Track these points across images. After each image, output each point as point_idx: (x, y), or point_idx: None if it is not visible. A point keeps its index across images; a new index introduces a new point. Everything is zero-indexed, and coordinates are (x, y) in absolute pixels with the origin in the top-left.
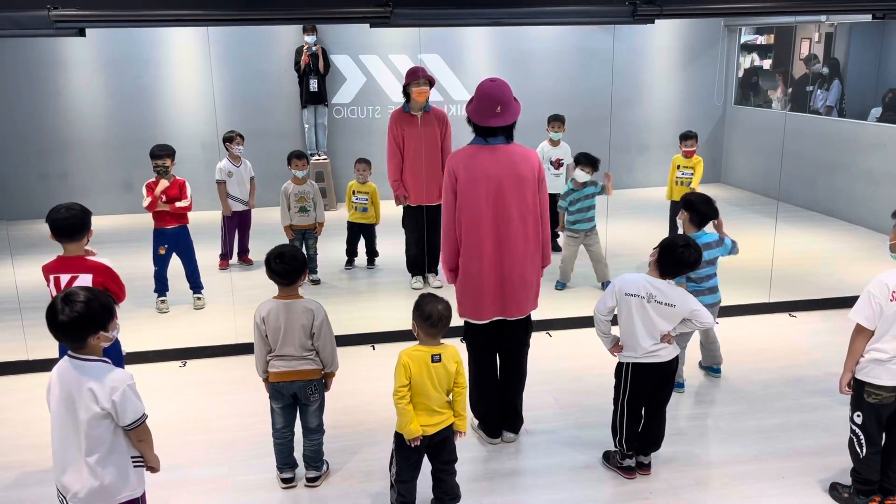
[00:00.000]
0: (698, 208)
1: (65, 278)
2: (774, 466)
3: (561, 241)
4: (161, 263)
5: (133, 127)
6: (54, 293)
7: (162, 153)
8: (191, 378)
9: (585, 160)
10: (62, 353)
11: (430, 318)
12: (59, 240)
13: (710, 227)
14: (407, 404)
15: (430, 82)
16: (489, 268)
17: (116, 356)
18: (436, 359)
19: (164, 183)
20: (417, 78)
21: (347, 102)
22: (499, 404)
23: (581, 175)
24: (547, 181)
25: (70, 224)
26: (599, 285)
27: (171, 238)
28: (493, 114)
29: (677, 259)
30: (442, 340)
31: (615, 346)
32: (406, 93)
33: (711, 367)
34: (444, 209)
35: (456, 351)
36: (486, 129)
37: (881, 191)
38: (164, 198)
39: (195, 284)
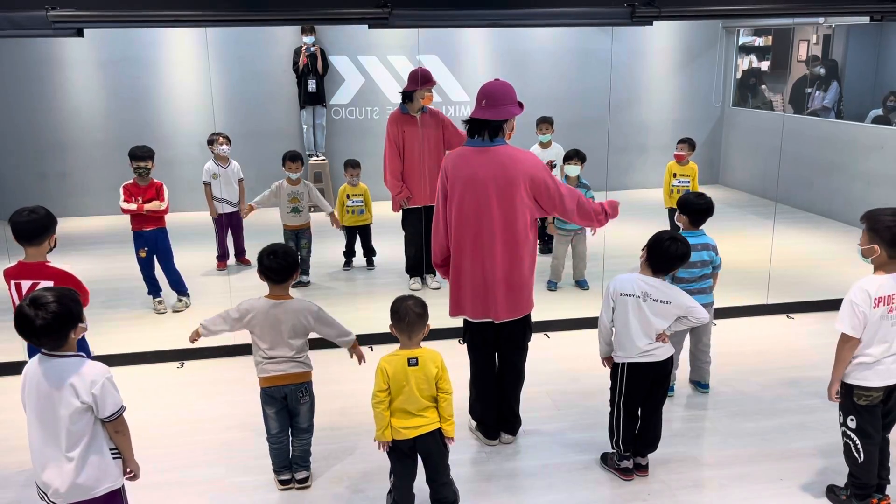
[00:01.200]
0: (694, 205)
1: (26, 284)
2: (772, 468)
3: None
4: (145, 266)
5: (131, 127)
6: (16, 299)
7: (144, 155)
8: (189, 379)
9: (576, 155)
10: (32, 353)
11: (397, 312)
12: (20, 243)
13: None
14: (384, 410)
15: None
16: (472, 268)
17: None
18: (412, 362)
19: (156, 203)
20: (430, 85)
21: (346, 103)
22: (496, 406)
23: (573, 169)
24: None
25: (31, 228)
26: (573, 283)
27: (150, 240)
28: (478, 106)
29: (666, 253)
30: (436, 343)
31: (607, 358)
32: (407, 95)
33: (699, 382)
34: (435, 207)
35: (437, 354)
36: (472, 126)
37: (879, 192)
38: (140, 200)
39: (178, 288)
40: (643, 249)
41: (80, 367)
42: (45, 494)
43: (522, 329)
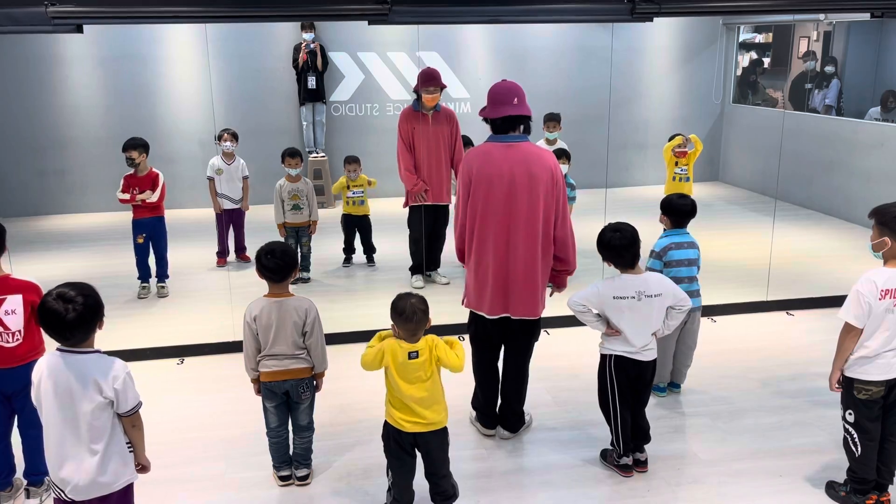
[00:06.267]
0: (677, 206)
1: None
2: (771, 464)
3: None
4: (141, 252)
5: (131, 124)
6: None
7: (128, 145)
8: (188, 375)
9: (563, 154)
10: None
11: (403, 312)
12: None
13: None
14: (370, 366)
15: (442, 87)
16: (496, 264)
17: None
18: (413, 356)
19: (148, 193)
20: (430, 85)
21: (345, 100)
22: (496, 398)
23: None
24: None
25: None
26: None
27: (148, 228)
28: (510, 103)
29: (614, 248)
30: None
31: (609, 328)
32: (417, 92)
33: (673, 382)
34: (459, 203)
35: (433, 337)
36: (502, 124)
37: (878, 189)
38: (137, 190)
39: (161, 273)
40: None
41: (101, 362)
42: (63, 491)
43: (532, 330)
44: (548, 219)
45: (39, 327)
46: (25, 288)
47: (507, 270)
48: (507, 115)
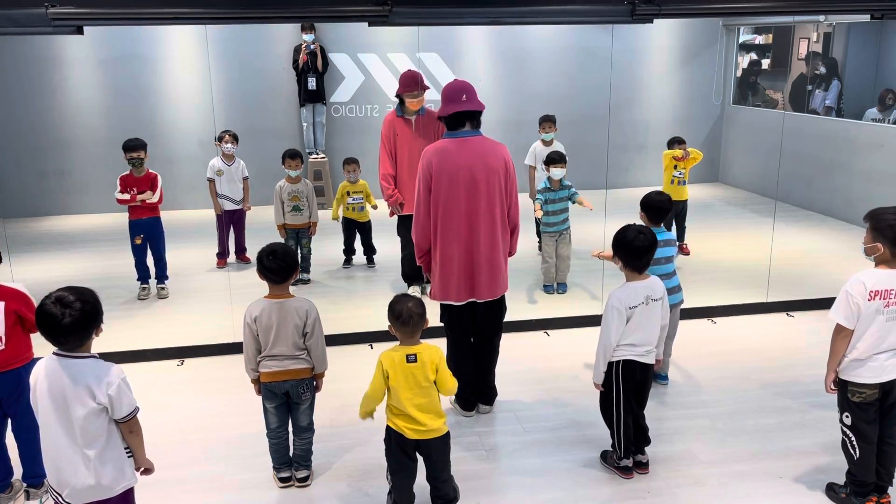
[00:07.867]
0: (655, 202)
1: None
2: (771, 466)
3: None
4: (139, 253)
5: (131, 125)
6: None
7: (136, 145)
8: (189, 376)
9: (560, 159)
10: None
11: (400, 316)
12: None
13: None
14: (374, 403)
15: (425, 90)
16: (460, 254)
17: None
18: (411, 359)
19: (148, 194)
20: (412, 89)
21: (346, 101)
22: (473, 380)
23: (557, 173)
24: (537, 179)
25: None
26: (554, 285)
27: (146, 228)
28: (459, 101)
29: (636, 250)
30: (435, 341)
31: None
32: (399, 97)
33: (658, 374)
34: (418, 200)
35: (436, 351)
36: (455, 121)
37: (878, 190)
38: (135, 191)
39: (161, 274)
40: (614, 258)
41: (96, 368)
42: (60, 495)
43: (501, 309)
44: (503, 205)
45: (26, 334)
46: (9, 295)
47: (472, 258)
48: (456, 112)
